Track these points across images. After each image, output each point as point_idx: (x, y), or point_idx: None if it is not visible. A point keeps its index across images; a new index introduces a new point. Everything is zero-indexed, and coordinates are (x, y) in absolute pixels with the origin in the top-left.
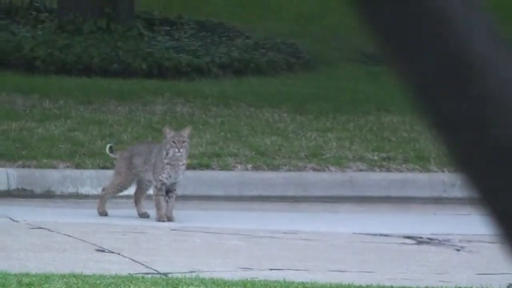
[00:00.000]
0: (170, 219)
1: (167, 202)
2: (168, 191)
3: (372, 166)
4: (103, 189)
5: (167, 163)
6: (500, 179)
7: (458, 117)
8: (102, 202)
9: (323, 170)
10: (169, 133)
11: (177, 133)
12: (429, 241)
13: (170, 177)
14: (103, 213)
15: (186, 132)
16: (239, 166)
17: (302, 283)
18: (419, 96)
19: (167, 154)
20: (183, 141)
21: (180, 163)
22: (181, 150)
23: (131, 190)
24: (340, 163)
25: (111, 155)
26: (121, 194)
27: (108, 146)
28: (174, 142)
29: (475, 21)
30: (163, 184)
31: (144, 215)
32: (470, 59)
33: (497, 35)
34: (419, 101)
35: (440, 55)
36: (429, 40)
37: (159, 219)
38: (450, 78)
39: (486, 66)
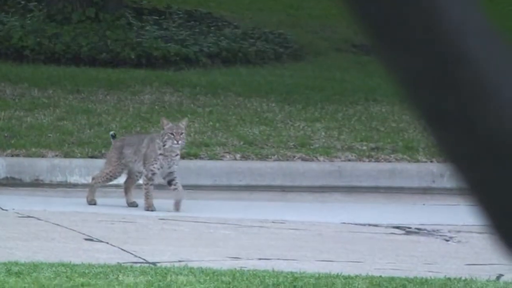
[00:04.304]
0: (178, 207)
1: (175, 190)
2: (169, 183)
3: (361, 156)
4: (93, 178)
5: (161, 154)
6: (488, 171)
7: (447, 110)
8: (91, 191)
9: (312, 160)
10: (166, 124)
11: (175, 125)
12: (418, 231)
13: (161, 167)
14: (92, 202)
15: (183, 123)
16: (227, 156)
17: (291, 272)
18: (408, 89)
19: (164, 145)
20: (181, 133)
21: (174, 154)
22: (180, 142)
23: (120, 180)
24: (328, 153)
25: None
26: (110, 183)
27: (110, 133)
28: (172, 133)
29: (467, 15)
30: (154, 174)
31: (132, 204)
32: (461, 53)
33: (489, 29)
34: (408, 94)
35: (430, 49)
36: (419, 33)
37: (148, 208)
38: (440, 71)
39: (477, 60)
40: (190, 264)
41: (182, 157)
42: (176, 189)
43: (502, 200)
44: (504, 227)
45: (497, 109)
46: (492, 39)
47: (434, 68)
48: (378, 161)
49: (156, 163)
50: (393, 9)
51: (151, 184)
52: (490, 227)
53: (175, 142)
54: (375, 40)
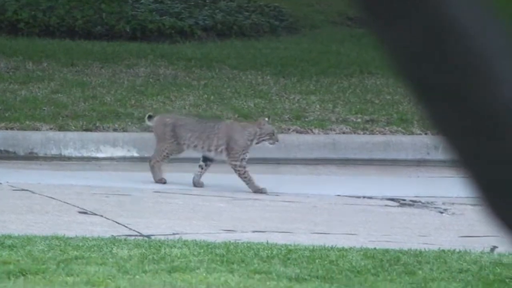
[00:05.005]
0: (199, 185)
1: (202, 168)
2: (204, 159)
3: (355, 128)
4: (150, 160)
5: (248, 146)
6: (479, 144)
7: (438, 85)
8: (154, 172)
9: (306, 133)
10: (264, 124)
11: (270, 127)
12: (412, 203)
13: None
14: (162, 181)
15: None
16: None
17: (285, 245)
18: (400, 64)
19: (257, 142)
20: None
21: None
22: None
23: (116, 153)
24: (323, 125)
25: (149, 123)
26: (109, 156)
27: (147, 115)
28: (273, 134)
29: None
30: (244, 161)
31: (161, 181)
32: (451, 27)
33: (480, 3)
34: (400, 69)
35: (421, 24)
36: (410, 8)
37: (257, 191)
38: (431, 46)
39: (467, 35)
40: (184, 237)
41: None
42: (204, 168)
43: (492, 173)
44: (494, 200)
45: (488, 83)
46: (483, 12)
47: (424, 41)
48: (373, 134)
49: (247, 153)
50: None
51: (247, 170)
52: (481, 200)
53: (277, 142)
54: (366, 12)
